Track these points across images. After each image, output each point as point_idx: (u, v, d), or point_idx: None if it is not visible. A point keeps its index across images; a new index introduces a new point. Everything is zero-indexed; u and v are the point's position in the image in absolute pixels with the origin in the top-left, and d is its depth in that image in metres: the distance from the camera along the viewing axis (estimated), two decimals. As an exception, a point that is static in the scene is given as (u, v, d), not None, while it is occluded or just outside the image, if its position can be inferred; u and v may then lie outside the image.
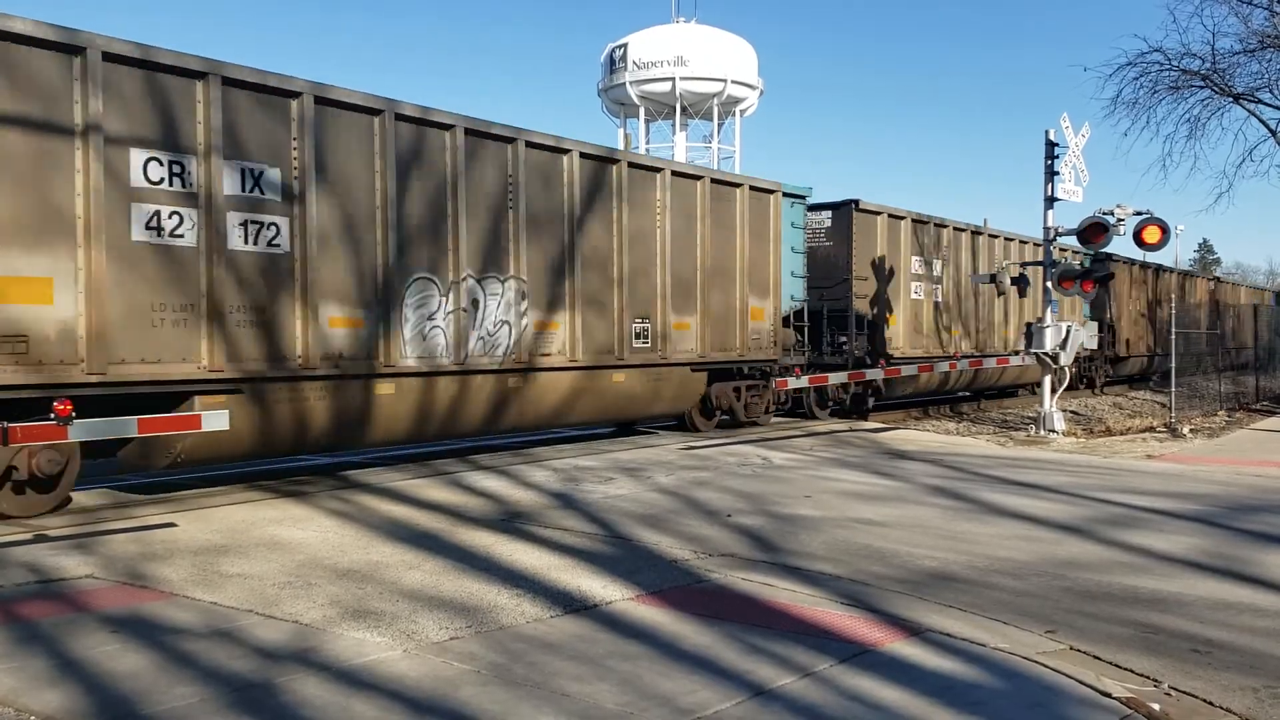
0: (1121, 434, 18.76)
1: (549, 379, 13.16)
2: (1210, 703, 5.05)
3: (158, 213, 9.18)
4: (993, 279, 19.84)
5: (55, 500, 9.04)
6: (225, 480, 11.07)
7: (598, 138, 57.51)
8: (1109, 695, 4.95)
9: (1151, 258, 29.68)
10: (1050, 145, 18.22)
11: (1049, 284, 18.23)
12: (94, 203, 8.68)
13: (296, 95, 10.22)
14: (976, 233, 23.42)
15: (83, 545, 7.79)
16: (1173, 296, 24.42)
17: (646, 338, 14.54)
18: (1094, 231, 17.63)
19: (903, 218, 20.78)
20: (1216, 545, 8.48)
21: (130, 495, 10.05)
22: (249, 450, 10.23)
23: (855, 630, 5.90)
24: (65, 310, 8.59)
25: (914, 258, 21.13)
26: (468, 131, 11.91)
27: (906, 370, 17.72)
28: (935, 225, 21.96)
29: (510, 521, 9.03)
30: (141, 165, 9.07)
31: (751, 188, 16.38)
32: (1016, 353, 20.22)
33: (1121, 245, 59.76)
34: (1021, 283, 19.65)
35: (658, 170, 14.84)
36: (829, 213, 19.73)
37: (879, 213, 20.09)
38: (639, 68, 60.10)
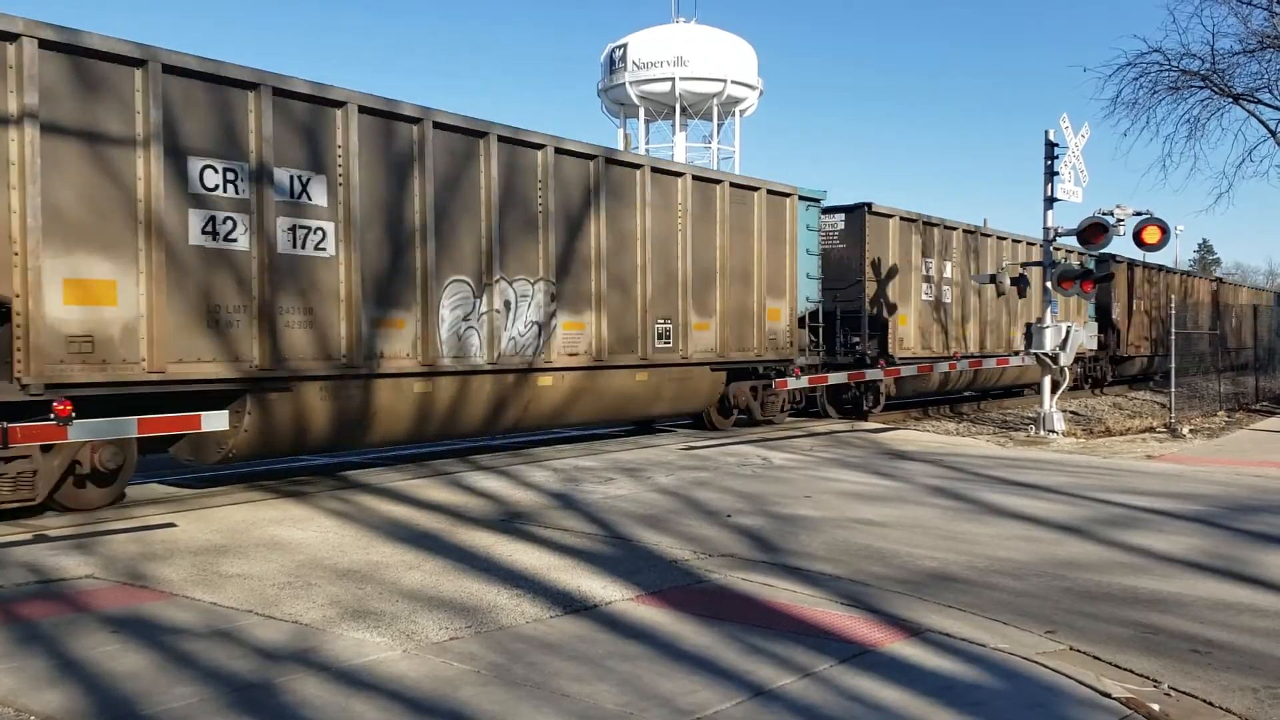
0: (1121, 434, 18.76)
1: (576, 378, 13.53)
2: (1210, 703, 5.05)
3: (213, 218, 9.57)
4: (993, 279, 19.87)
5: (113, 495, 9.36)
6: (225, 480, 11.08)
7: (597, 138, 57.38)
8: (1109, 695, 4.95)
9: (1152, 258, 29.75)
10: (1050, 145, 18.23)
11: (1049, 284, 18.24)
12: (154, 208, 9.06)
13: (341, 105, 10.61)
14: (985, 235, 23.68)
15: (83, 545, 7.79)
16: (1172, 297, 24.42)
17: (668, 338, 14.91)
18: (1094, 232, 17.63)
19: (914, 220, 21.01)
20: (1216, 545, 8.48)
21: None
22: (295, 446, 10.67)
23: (855, 630, 5.90)
24: (128, 311, 8.95)
25: (925, 259, 21.37)
26: (501, 139, 12.31)
27: (906, 370, 17.88)
28: (945, 228, 22.20)
29: (510, 522, 9.03)
30: (198, 172, 9.48)
31: (769, 191, 16.68)
32: (1016, 353, 20.26)
33: (1123, 246, 59.84)
34: (1021, 283, 19.66)
35: (679, 175, 15.19)
36: (842, 215, 19.99)
37: (891, 215, 20.34)
38: (639, 68, 60.08)
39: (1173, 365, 20.04)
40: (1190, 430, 18.58)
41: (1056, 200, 18.37)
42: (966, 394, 24.75)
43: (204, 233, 9.48)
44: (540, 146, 12.86)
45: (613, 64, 61.75)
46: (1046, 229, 18.55)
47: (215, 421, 8.40)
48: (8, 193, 8.27)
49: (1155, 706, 4.87)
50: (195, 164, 9.43)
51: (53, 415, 7.52)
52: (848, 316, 19.86)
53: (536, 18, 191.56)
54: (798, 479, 11.77)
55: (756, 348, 16.49)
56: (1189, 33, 45.68)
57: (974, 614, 6.38)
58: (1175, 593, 7.01)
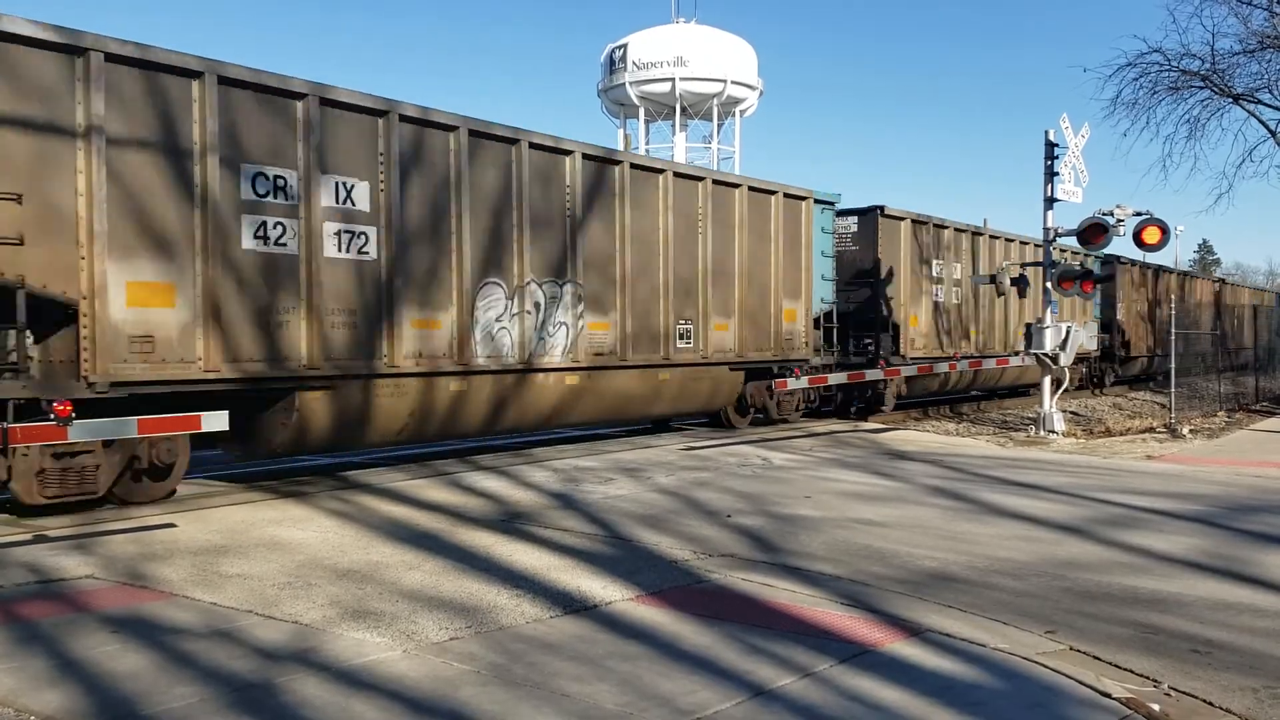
0: (1121, 434, 18.75)
1: (603, 377, 13.94)
2: (1210, 703, 5.04)
3: (264, 223, 9.97)
4: (992, 280, 19.91)
5: (167, 488, 9.74)
6: (226, 479, 11.08)
7: (597, 138, 57.36)
8: (1109, 695, 4.95)
9: (1151, 258, 29.79)
10: (1050, 146, 18.23)
11: (1049, 285, 18.24)
12: (210, 215, 9.48)
13: (384, 114, 11.01)
14: (994, 236, 24.00)
15: (83, 545, 7.79)
16: (1172, 298, 24.42)
17: (689, 338, 15.31)
18: (1094, 232, 17.64)
19: (924, 223, 21.35)
20: (1216, 546, 8.48)
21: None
22: (336, 442, 11.07)
23: (855, 630, 5.90)
24: (185, 313, 9.38)
25: (935, 261, 21.69)
26: (532, 145, 12.75)
27: (906, 370, 18.18)
28: (955, 230, 22.52)
29: (510, 522, 9.03)
30: (250, 180, 9.86)
31: (786, 194, 17.06)
32: (1016, 353, 20.30)
33: (1127, 247, 59.71)
34: (1021, 283, 19.68)
35: (700, 179, 15.56)
36: (855, 218, 20.32)
37: (902, 218, 20.64)
38: (639, 68, 60.09)
39: (1173, 365, 20.04)
40: (1190, 430, 18.58)
41: (1056, 200, 18.37)
42: (973, 393, 25.05)
43: (256, 237, 9.87)
44: (569, 153, 13.27)
45: (613, 64, 61.76)
46: (1046, 229, 18.56)
47: (215, 422, 8.49)
48: (75, 200, 8.63)
49: (1155, 706, 4.87)
50: (248, 171, 9.82)
51: (52, 415, 7.52)
52: (860, 317, 20.17)
53: (536, 18, 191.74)
54: (798, 479, 11.77)
55: (773, 348, 16.84)
56: (1189, 33, 45.56)
57: (974, 614, 6.38)
58: (1175, 593, 7.01)
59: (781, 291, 16.90)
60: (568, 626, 5.92)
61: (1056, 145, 18.21)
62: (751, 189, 16.35)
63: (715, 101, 60.78)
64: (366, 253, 10.84)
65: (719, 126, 62.58)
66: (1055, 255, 20.30)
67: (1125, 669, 5.49)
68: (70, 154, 8.60)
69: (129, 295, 8.97)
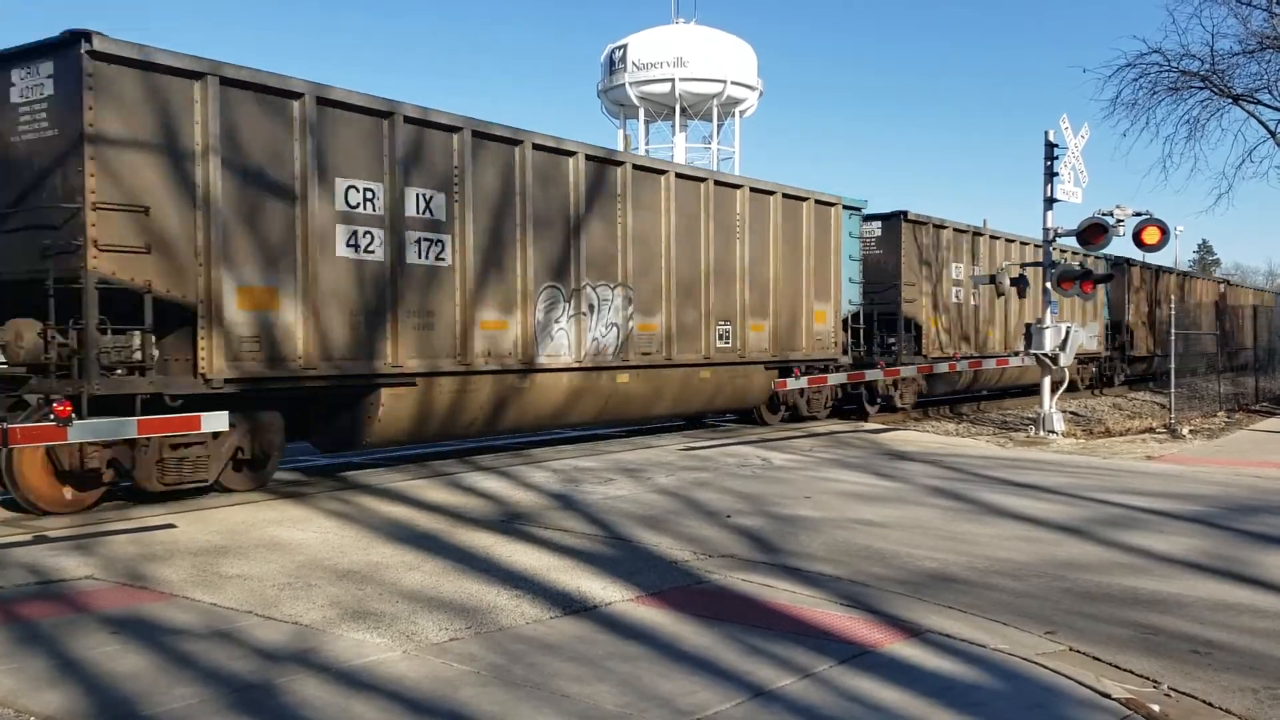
0: (1121, 435, 18.76)
1: (650, 375, 14.77)
2: (1210, 704, 5.05)
3: (355, 232, 10.75)
4: (992, 280, 19.93)
5: (264, 479, 10.49)
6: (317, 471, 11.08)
7: (597, 139, 57.03)
8: (1109, 696, 4.95)
9: (1151, 259, 29.83)
10: (1050, 146, 18.24)
11: (1048, 285, 18.25)
12: (309, 225, 10.24)
13: (457, 130, 11.80)
14: (1009, 240, 24.65)
15: (82, 546, 7.80)
16: (1172, 298, 24.44)
17: (728, 338, 16.06)
18: (1093, 232, 17.64)
19: (944, 227, 22.03)
20: (1216, 546, 8.48)
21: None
22: (421, 434, 11.94)
23: (855, 631, 5.90)
24: (287, 315, 10.13)
25: (954, 264, 22.36)
26: (588, 157, 13.56)
27: (906, 371, 18.70)
28: (973, 234, 23.19)
29: (510, 522, 9.03)
30: (344, 192, 10.64)
31: (816, 201, 17.75)
32: (1016, 353, 20.36)
33: (1128, 248, 59.72)
34: (1021, 284, 19.70)
35: (738, 187, 16.30)
36: (879, 223, 21.01)
37: (924, 223, 21.32)
38: (639, 69, 60.06)
39: (1173, 366, 20.05)
40: (1190, 431, 18.58)
41: (1056, 201, 18.39)
42: (996, 391, 25.63)
43: (348, 245, 10.66)
44: (620, 164, 14.11)
45: (613, 65, 61.73)
46: (1046, 230, 18.57)
47: (215, 422, 8.64)
48: (194, 213, 9.38)
49: (1155, 707, 4.87)
50: (341, 184, 10.59)
51: (52, 415, 7.52)
52: (884, 318, 20.79)
53: (536, 18, 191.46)
54: (798, 479, 11.78)
55: (805, 348, 17.57)
56: (1189, 33, 45.71)
57: (974, 614, 6.38)
58: (1175, 593, 7.01)
59: (812, 294, 17.62)
60: (567, 627, 5.93)
61: (1056, 146, 18.22)
62: (785, 195, 16.99)
63: (715, 102, 60.76)
64: (443, 259, 11.65)
65: (719, 127, 62.58)
66: (1055, 255, 20.40)
67: (1125, 669, 5.50)
68: (190, 171, 9.34)
69: (239, 299, 9.69)
